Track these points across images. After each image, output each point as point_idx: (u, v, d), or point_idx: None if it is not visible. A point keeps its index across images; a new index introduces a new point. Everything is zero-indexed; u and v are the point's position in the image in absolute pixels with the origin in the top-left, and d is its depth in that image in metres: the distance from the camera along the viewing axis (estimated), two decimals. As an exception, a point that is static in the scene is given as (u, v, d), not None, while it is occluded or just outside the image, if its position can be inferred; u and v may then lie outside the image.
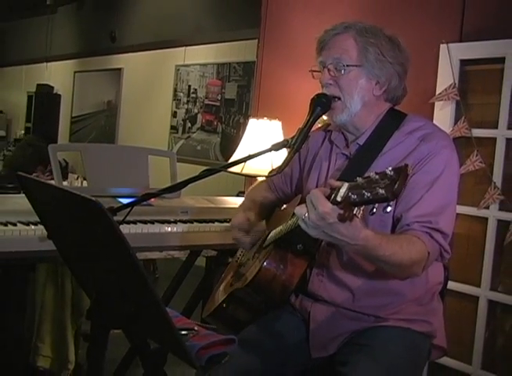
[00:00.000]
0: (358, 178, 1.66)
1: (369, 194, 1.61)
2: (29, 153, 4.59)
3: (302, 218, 1.77)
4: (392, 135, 2.19)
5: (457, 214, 3.10)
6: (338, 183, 1.71)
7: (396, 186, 1.58)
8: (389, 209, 1.62)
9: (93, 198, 1.59)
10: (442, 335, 2.30)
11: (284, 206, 2.68)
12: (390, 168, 1.62)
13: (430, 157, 2.10)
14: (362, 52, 2.18)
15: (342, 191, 1.67)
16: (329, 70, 2.21)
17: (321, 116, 2.21)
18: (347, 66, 2.17)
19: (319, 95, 2.20)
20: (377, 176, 1.62)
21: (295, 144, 2.10)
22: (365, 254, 1.91)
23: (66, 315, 3.68)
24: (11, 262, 2.64)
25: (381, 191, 1.59)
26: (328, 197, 1.71)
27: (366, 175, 1.65)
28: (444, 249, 2.08)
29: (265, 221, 2.58)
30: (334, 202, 1.68)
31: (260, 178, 3.83)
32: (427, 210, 2.05)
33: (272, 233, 2.27)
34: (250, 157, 2.27)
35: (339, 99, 2.19)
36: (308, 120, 2.16)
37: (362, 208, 1.69)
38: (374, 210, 1.65)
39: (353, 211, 1.69)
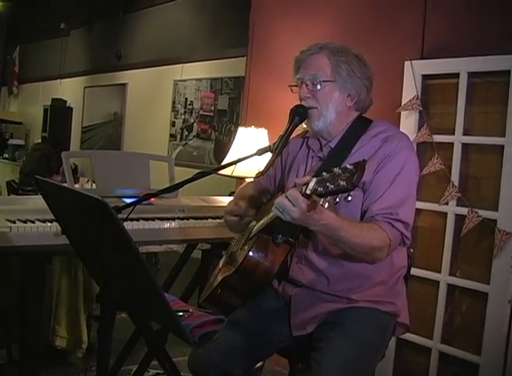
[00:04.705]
0: (324, 173, 1.72)
1: (332, 186, 1.67)
2: (37, 157, 4.56)
3: (277, 208, 1.83)
4: (360, 138, 2.23)
5: (420, 209, 3.20)
6: (307, 178, 1.77)
7: (355, 178, 1.64)
8: (350, 198, 1.70)
9: (100, 198, 1.62)
10: (406, 314, 2.34)
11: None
12: (350, 163, 1.68)
13: (391, 156, 2.14)
14: (335, 69, 2.22)
15: (311, 185, 1.73)
16: (306, 85, 2.24)
17: (299, 124, 2.24)
18: (323, 81, 2.21)
19: (297, 107, 2.24)
20: (340, 171, 1.68)
21: (276, 149, 2.14)
22: (329, 234, 1.97)
23: (79, 301, 3.70)
24: (30, 255, 2.67)
25: (342, 183, 1.65)
26: (300, 191, 1.76)
27: (330, 170, 1.70)
28: (405, 236, 2.12)
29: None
30: (304, 195, 1.74)
31: (248, 180, 3.85)
32: (388, 203, 2.09)
33: (257, 226, 2.31)
34: (238, 160, 2.30)
35: (315, 108, 2.23)
36: (288, 128, 2.20)
37: (327, 199, 1.74)
38: (337, 199, 1.71)
39: (319, 201, 1.75)
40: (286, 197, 1.80)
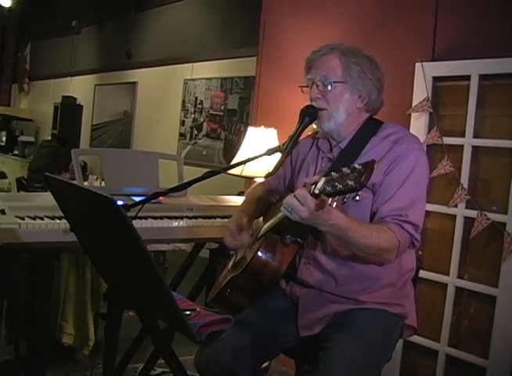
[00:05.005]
0: (332, 172, 1.72)
1: (340, 186, 1.67)
2: (45, 154, 4.58)
3: (286, 208, 1.83)
4: (370, 140, 2.22)
5: (429, 211, 3.19)
6: (316, 178, 1.78)
7: (363, 177, 1.64)
8: (358, 198, 1.70)
9: (109, 196, 1.62)
10: (413, 316, 2.33)
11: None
12: (359, 163, 1.67)
13: (402, 158, 2.13)
14: (346, 70, 2.21)
15: (319, 185, 1.73)
16: (317, 85, 2.23)
17: (309, 125, 2.23)
18: (333, 82, 2.20)
19: (307, 107, 2.23)
20: (348, 170, 1.69)
21: (286, 149, 2.14)
22: (337, 234, 1.97)
23: (86, 298, 3.70)
24: (39, 251, 2.67)
25: (351, 183, 1.66)
26: (308, 190, 1.77)
27: (339, 169, 1.70)
28: (414, 238, 2.11)
29: (262, 218, 2.61)
30: (313, 194, 1.74)
31: (258, 180, 3.85)
32: (398, 205, 2.08)
33: (265, 226, 2.30)
34: (247, 160, 2.30)
35: (326, 110, 2.23)
36: (298, 128, 2.20)
37: (335, 198, 1.74)
38: (345, 199, 1.71)
39: (327, 201, 1.74)
40: (295, 196, 1.80)
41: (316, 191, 1.74)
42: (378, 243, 2.00)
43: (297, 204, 1.79)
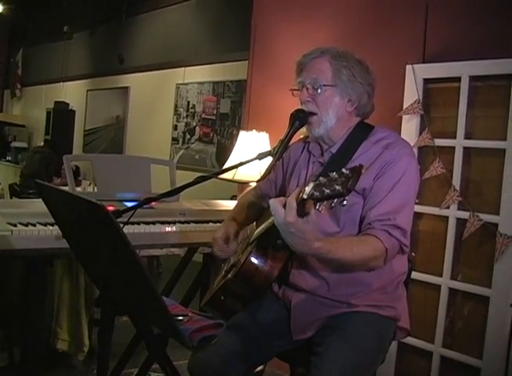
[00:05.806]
0: (320, 178, 1.72)
1: (328, 191, 1.68)
2: (37, 159, 4.58)
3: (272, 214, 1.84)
4: (361, 144, 2.21)
5: (422, 213, 3.20)
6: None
7: (350, 182, 1.65)
8: (345, 203, 1.69)
9: (98, 202, 1.62)
10: (406, 318, 2.32)
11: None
12: (346, 168, 1.68)
13: (392, 163, 2.13)
14: (336, 73, 2.20)
15: (307, 190, 1.73)
16: (307, 89, 2.23)
17: (299, 129, 2.23)
18: (323, 85, 2.20)
19: (297, 111, 2.23)
20: (336, 175, 1.69)
21: (276, 153, 2.14)
22: (320, 259, 2.02)
23: (80, 304, 3.70)
24: (31, 258, 2.67)
25: (338, 187, 1.66)
26: (297, 196, 1.77)
27: (327, 174, 1.70)
28: (403, 244, 2.09)
29: (255, 223, 2.61)
30: (301, 199, 1.74)
31: (252, 184, 3.84)
32: (386, 209, 2.08)
33: (257, 230, 2.30)
34: (238, 165, 2.29)
35: (315, 114, 2.22)
36: (288, 132, 2.20)
37: (323, 204, 1.74)
38: (333, 204, 1.71)
39: (313, 206, 1.76)
40: (281, 202, 1.81)
41: (305, 196, 1.74)
42: (361, 256, 2.00)
43: (279, 209, 1.80)
